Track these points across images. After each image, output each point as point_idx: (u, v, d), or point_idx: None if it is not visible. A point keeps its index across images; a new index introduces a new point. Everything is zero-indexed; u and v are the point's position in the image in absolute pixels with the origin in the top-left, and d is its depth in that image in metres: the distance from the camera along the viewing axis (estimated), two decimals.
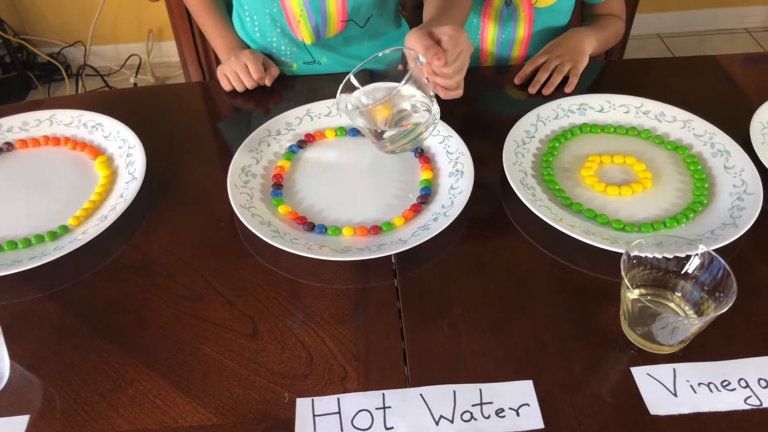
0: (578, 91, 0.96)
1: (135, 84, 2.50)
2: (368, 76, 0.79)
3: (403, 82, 0.70)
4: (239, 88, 1.01)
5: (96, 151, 0.90)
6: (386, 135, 0.77)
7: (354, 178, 0.85)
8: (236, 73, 1.00)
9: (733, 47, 2.57)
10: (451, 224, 0.75)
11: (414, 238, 0.74)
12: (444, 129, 0.89)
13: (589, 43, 1.06)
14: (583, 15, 1.18)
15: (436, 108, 0.77)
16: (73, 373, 0.64)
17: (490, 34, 1.15)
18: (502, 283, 0.71)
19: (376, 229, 0.77)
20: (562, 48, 1.04)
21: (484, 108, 1.00)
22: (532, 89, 1.00)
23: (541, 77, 1.01)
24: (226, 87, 1.02)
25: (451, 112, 0.93)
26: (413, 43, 0.74)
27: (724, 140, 0.86)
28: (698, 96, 0.99)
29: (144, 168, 0.84)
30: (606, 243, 0.72)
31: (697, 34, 2.65)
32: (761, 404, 0.59)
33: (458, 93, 0.80)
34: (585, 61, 1.03)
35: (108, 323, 0.69)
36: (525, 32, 1.13)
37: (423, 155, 0.87)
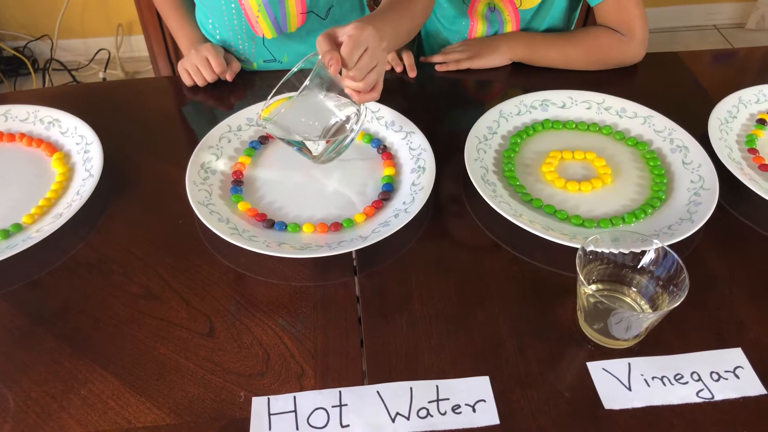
0: (542, 86, 0.96)
1: (104, 79, 2.46)
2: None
3: (298, 93, 0.71)
4: (200, 83, 1.00)
5: (53, 147, 0.88)
6: (316, 152, 0.78)
7: (315, 174, 0.85)
8: (197, 67, 0.99)
9: (702, 43, 2.61)
10: (412, 220, 0.75)
11: (374, 235, 0.73)
12: (406, 125, 0.89)
13: (511, 48, 1.05)
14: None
15: (363, 114, 0.78)
16: (23, 375, 0.63)
17: (478, 35, 1.14)
18: (462, 280, 0.72)
19: (336, 226, 0.76)
20: (476, 41, 1.08)
21: (446, 104, 1.00)
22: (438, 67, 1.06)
23: (435, 58, 1.06)
24: (187, 82, 1.00)
25: (413, 109, 0.93)
26: (317, 47, 0.73)
27: (683, 136, 0.87)
28: (659, 92, 1.00)
29: (101, 165, 0.82)
30: (565, 239, 0.72)
31: (667, 30, 2.68)
32: (713, 397, 0.60)
33: (373, 96, 0.76)
34: (489, 59, 1.05)
35: (61, 323, 0.68)
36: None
37: (386, 151, 0.87)
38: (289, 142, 0.78)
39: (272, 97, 0.77)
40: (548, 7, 1.08)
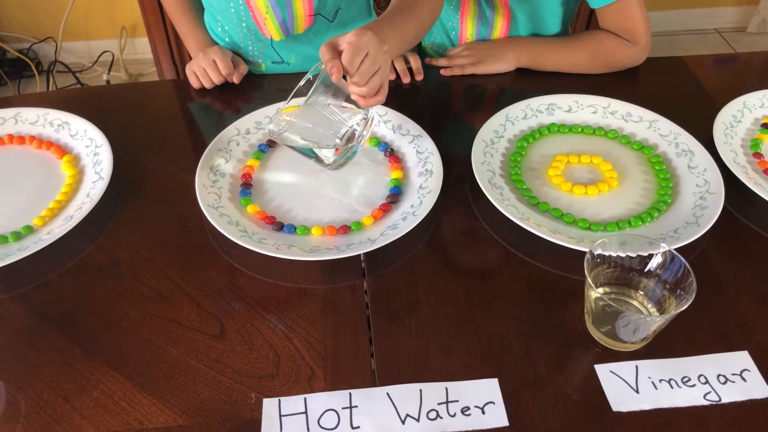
0: (547, 90, 0.96)
1: (108, 81, 2.46)
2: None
3: (303, 103, 0.73)
4: (207, 85, 1.01)
5: (62, 150, 0.89)
6: (329, 161, 0.80)
7: (324, 177, 0.85)
8: (204, 70, 1.00)
9: (703, 47, 2.62)
10: (419, 224, 0.75)
11: (383, 238, 0.74)
12: (414, 129, 0.89)
13: (517, 54, 1.05)
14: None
15: (370, 118, 0.79)
16: (36, 376, 0.64)
17: (468, 22, 1.14)
18: (470, 282, 0.72)
19: (345, 229, 0.77)
20: (482, 45, 1.08)
21: (453, 108, 1.01)
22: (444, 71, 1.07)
23: (440, 62, 1.08)
24: (195, 84, 1.01)
25: (420, 112, 0.93)
26: (320, 57, 0.74)
27: (688, 140, 0.88)
28: (664, 96, 1.01)
29: (111, 167, 0.83)
30: (572, 242, 0.73)
31: (669, 34, 2.69)
32: (720, 400, 0.61)
33: (379, 99, 0.78)
34: (495, 66, 1.05)
35: (72, 325, 0.68)
36: (503, 24, 1.11)
37: (393, 155, 0.88)
38: (302, 152, 0.79)
39: (287, 102, 0.78)
40: (541, 3, 1.07)
